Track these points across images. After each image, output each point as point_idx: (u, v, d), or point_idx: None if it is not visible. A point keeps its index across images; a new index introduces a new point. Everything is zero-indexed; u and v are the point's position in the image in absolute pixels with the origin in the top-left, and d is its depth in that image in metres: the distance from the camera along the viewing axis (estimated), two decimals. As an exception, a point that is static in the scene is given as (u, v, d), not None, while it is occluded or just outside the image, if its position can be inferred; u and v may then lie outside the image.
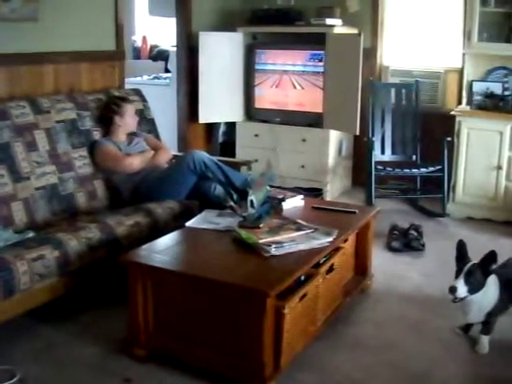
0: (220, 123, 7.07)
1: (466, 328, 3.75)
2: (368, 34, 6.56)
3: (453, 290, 3.38)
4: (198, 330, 3.23)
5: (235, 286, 3.07)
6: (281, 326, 3.06)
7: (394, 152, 6.27)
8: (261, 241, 3.42)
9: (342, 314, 3.91)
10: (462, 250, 3.55)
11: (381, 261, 4.73)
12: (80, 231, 3.83)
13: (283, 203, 4.14)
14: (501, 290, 3.51)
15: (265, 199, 3.89)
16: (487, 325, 3.56)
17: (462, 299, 3.43)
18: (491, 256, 3.40)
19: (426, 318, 3.99)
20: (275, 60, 6.66)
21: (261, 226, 3.64)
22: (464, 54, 6.17)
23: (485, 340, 3.56)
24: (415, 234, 5.19)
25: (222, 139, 7.16)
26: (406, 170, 6.02)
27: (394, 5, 6.70)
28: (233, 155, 6.73)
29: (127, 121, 4.87)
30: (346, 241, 3.92)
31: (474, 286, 3.40)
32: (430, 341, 3.70)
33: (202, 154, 4.60)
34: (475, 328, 3.68)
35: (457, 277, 3.44)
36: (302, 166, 6.49)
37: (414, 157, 6.25)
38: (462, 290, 3.38)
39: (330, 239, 3.56)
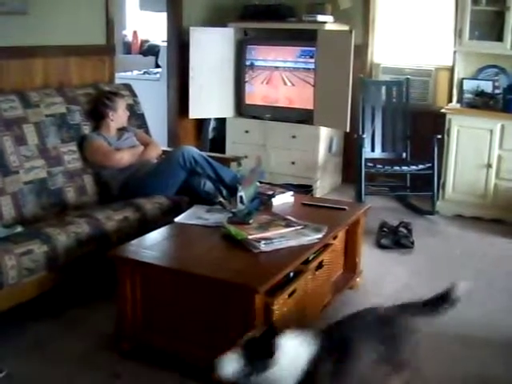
0: (210, 119, 7.05)
1: None
2: (359, 31, 6.56)
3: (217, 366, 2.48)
4: (186, 325, 3.22)
5: (224, 282, 3.06)
6: (269, 322, 3.05)
7: (384, 149, 6.27)
8: (250, 237, 3.41)
9: (331, 311, 3.90)
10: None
11: (370, 258, 4.73)
12: (69, 226, 3.82)
13: (273, 199, 4.13)
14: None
15: (254, 195, 3.90)
16: None
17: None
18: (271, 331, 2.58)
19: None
20: (266, 56, 6.65)
21: (250, 222, 3.64)
22: (455, 52, 6.17)
23: None
24: (405, 231, 5.20)
25: (212, 135, 7.14)
26: (395, 168, 6.02)
27: (386, 2, 6.70)
28: (223, 151, 6.72)
29: (119, 115, 4.86)
30: (335, 237, 3.92)
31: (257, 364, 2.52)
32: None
33: (192, 150, 4.59)
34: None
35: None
36: (293, 163, 6.48)
37: (404, 154, 6.26)
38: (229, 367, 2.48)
39: (320, 236, 3.55)
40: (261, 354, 2.48)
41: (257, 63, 6.70)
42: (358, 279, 4.34)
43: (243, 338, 2.54)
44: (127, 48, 9.58)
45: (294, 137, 6.47)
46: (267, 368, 2.48)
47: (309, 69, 6.39)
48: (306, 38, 6.29)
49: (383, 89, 6.37)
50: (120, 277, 3.32)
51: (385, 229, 5.24)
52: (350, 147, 6.60)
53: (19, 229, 3.81)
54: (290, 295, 3.21)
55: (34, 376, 3.29)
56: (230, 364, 2.44)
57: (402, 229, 5.21)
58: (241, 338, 2.54)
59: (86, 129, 4.81)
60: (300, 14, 6.52)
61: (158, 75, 7.79)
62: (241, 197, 3.77)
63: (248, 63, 6.72)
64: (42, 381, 3.25)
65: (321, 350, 2.58)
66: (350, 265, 4.29)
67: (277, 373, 2.50)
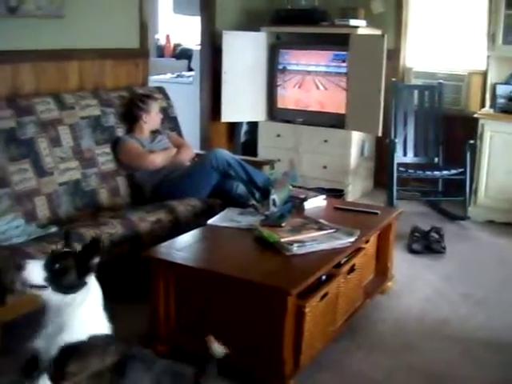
0: (242, 122, 7.08)
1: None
2: (392, 35, 6.55)
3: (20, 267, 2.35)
4: (218, 327, 3.24)
5: (256, 284, 3.07)
6: (301, 324, 3.06)
7: (416, 154, 6.24)
8: (283, 239, 3.42)
9: (361, 315, 3.91)
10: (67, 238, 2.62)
11: (401, 263, 4.72)
12: (103, 226, 3.85)
13: (305, 203, 4.14)
14: None
15: (287, 198, 3.91)
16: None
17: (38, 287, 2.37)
18: (94, 244, 2.49)
19: (445, 320, 3.98)
20: (298, 60, 6.66)
21: (283, 224, 3.65)
22: (488, 57, 6.14)
23: None
24: (436, 236, 5.17)
25: (244, 139, 7.17)
26: (427, 173, 6.00)
27: (418, 6, 6.68)
28: (254, 155, 6.74)
29: (153, 118, 4.90)
30: (367, 241, 3.92)
31: (61, 279, 2.38)
32: (449, 343, 3.69)
33: (225, 153, 4.62)
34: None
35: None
36: (324, 167, 6.49)
37: (436, 159, 6.22)
38: (34, 273, 2.34)
39: (352, 239, 3.55)
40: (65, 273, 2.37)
41: (289, 67, 6.71)
42: (389, 284, 4.33)
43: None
44: (160, 51, 9.65)
45: (325, 141, 6.47)
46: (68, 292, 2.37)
47: (341, 73, 6.39)
48: (339, 42, 6.29)
49: (415, 93, 6.35)
50: (154, 277, 3.35)
51: (416, 234, 5.22)
52: (382, 152, 6.58)
53: (53, 229, 3.86)
54: (322, 298, 3.22)
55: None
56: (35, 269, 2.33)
57: (433, 234, 5.19)
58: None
59: (120, 131, 4.86)
60: (332, 18, 6.52)
61: (190, 79, 7.83)
62: (273, 200, 3.79)
63: (280, 67, 6.74)
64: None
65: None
66: (382, 269, 4.28)
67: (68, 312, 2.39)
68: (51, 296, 2.36)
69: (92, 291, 2.48)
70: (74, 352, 2.32)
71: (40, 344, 2.40)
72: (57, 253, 2.42)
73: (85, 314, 2.44)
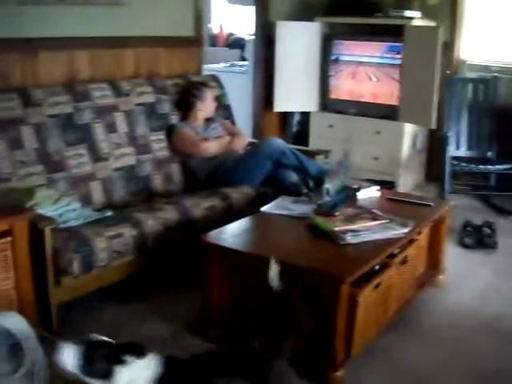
0: (294, 113, 7.08)
1: None
2: (446, 27, 6.46)
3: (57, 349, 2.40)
4: (270, 313, 3.25)
5: (310, 271, 3.09)
6: (354, 313, 3.06)
7: (469, 147, 6.17)
8: (336, 228, 3.42)
9: (413, 307, 3.90)
10: None
11: (453, 257, 4.67)
12: (157, 212, 3.91)
13: (358, 193, 4.13)
14: None
15: (341, 188, 3.90)
16: None
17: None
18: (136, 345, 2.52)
19: (498, 315, 3.94)
20: (352, 51, 6.63)
21: (336, 214, 3.65)
22: (545, 50, 6.05)
23: None
24: (488, 231, 5.12)
25: (296, 129, 7.17)
26: (480, 166, 5.92)
27: (474, -3, 6.60)
28: (306, 145, 6.71)
29: (207, 105, 4.93)
30: (420, 233, 3.90)
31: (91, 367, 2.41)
32: (502, 338, 3.66)
33: (279, 141, 4.63)
34: None
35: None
36: (375, 158, 6.45)
37: (490, 153, 6.14)
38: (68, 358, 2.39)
39: (406, 230, 3.54)
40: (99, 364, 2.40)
41: (342, 58, 6.68)
42: (441, 277, 4.30)
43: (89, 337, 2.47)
44: (213, 41, 9.69)
45: (378, 132, 6.44)
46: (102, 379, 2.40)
47: (394, 64, 6.34)
48: (393, 33, 6.23)
49: (470, 86, 6.28)
50: (208, 263, 3.38)
51: (468, 228, 5.17)
52: (435, 144, 6.51)
53: (109, 213, 3.91)
54: (375, 288, 3.22)
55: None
56: (69, 354, 2.37)
57: (485, 228, 5.14)
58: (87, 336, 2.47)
59: (174, 118, 4.90)
60: (387, 9, 6.48)
61: (243, 68, 7.84)
62: (327, 189, 3.79)
63: (333, 58, 6.71)
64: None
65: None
66: (434, 262, 4.25)
67: None
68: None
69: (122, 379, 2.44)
70: None
71: None
72: (93, 341, 2.46)
73: None
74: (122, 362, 2.42)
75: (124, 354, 2.42)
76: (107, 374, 2.40)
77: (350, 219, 3.59)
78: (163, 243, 3.86)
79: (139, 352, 2.46)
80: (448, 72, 6.31)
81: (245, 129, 5.95)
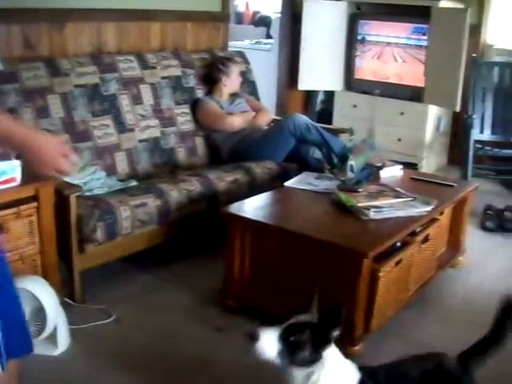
0: (319, 91, 7.08)
1: None
2: (474, 10, 6.40)
3: (254, 337, 2.09)
4: (291, 286, 3.27)
5: (332, 245, 3.10)
6: (374, 288, 3.07)
7: (493, 132, 6.12)
8: (360, 204, 3.43)
9: (432, 287, 3.90)
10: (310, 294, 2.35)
11: (474, 239, 4.66)
12: (181, 183, 3.93)
13: (382, 171, 4.13)
14: None
15: (364, 165, 3.91)
16: None
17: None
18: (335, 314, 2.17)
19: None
20: (378, 31, 6.61)
21: (360, 190, 3.66)
22: None
23: None
24: (510, 215, 5.11)
25: (320, 107, 7.17)
26: (504, 151, 5.90)
27: (504, -19, 6.54)
28: (330, 124, 6.72)
29: (233, 80, 4.94)
30: (442, 213, 3.90)
31: (295, 353, 2.11)
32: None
33: (303, 118, 4.63)
34: None
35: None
36: (399, 140, 6.44)
37: (514, 138, 6.12)
38: (268, 346, 2.09)
39: (429, 208, 3.54)
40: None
41: (368, 38, 6.66)
42: (461, 258, 4.30)
43: (293, 318, 2.16)
44: (239, 18, 9.69)
45: (402, 114, 6.42)
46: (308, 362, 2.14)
47: (421, 46, 6.32)
48: (420, 14, 6.20)
49: (496, 70, 6.22)
50: (230, 234, 3.40)
51: (489, 211, 5.16)
52: (459, 128, 6.48)
53: (133, 183, 3.95)
54: (396, 264, 3.23)
55: (140, 322, 3.42)
56: (270, 341, 2.09)
57: (507, 212, 5.12)
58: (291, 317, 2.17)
59: (200, 92, 4.91)
60: (415, -10, 6.45)
61: (269, 46, 7.84)
62: (351, 165, 3.79)
63: (359, 38, 6.69)
64: (147, 328, 3.38)
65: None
66: (454, 243, 4.25)
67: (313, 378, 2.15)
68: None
69: (330, 363, 2.17)
70: None
71: None
72: (293, 324, 2.14)
73: None
74: (328, 343, 2.15)
75: (330, 332, 2.14)
76: (314, 360, 2.14)
77: (373, 196, 3.60)
78: (186, 215, 3.89)
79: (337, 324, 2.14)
80: (474, 55, 6.27)
81: (269, 106, 5.95)
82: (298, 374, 2.15)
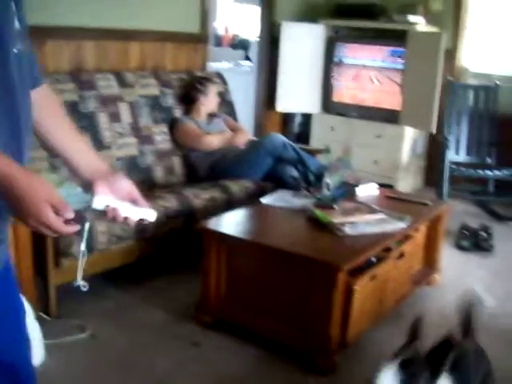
0: (296, 113, 7.13)
1: None
2: (449, 34, 6.51)
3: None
4: (267, 300, 3.30)
5: (308, 259, 3.12)
6: (350, 302, 3.10)
7: (468, 153, 6.22)
8: (335, 220, 3.46)
9: (408, 303, 3.93)
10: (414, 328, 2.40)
11: (449, 258, 4.71)
12: (158, 200, 3.94)
13: (357, 189, 4.17)
14: None
15: (340, 183, 3.95)
16: None
17: None
18: (447, 342, 2.38)
19: (492, 315, 3.96)
20: (355, 54, 6.69)
21: (335, 207, 3.69)
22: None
23: None
24: (485, 234, 5.16)
25: (298, 130, 7.22)
26: (479, 172, 5.97)
27: (477, 6, 6.64)
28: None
29: (211, 100, 4.98)
30: (417, 231, 3.94)
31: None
32: (496, 337, 3.69)
33: (281, 137, 4.68)
34: None
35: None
36: (375, 162, 6.50)
37: (489, 159, 6.18)
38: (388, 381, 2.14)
39: (403, 225, 3.58)
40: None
41: (345, 61, 6.75)
42: (436, 276, 4.34)
43: (404, 350, 2.25)
44: (218, 41, 9.74)
45: (378, 136, 6.49)
46: None
47: (397, 69, 6.41)
48: (396, 37, 6.31)
49: (471, 93, 6.33)
50: (206, 249, 3.41)
51: (465, 231, 5.21)
52: (435, 150, 6.55)
53: (111, 199, 3.95)
54: (372, 279, 3.26)
55: (115, 338, 3.42)
56: (388, 378, 2.13)
57: (482, 232, 5.18)
58: (399, 350, 2.27)
59: (178, 112, 4.94)
60: (391, 13, 6.54)
61: (248, 68, 7.90)
62: (327, 183, 3.83)
63: (337, 60, 6.77)
64: (123, 344, 3.37)
65: None
66: (430, 261, 4.28)
67: None
68: None
69: None
70: None
71: None
72: (408, 357, 2.20)
73: None
74: (440, 373, 2.19)
75: (441, 364, 2.21)
76: None
77: (349, 212, 3.64)
78: (163, 231, 3.90)
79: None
80: (450, 78, 6.36)
81: (247, 127, 6.00)
82: None
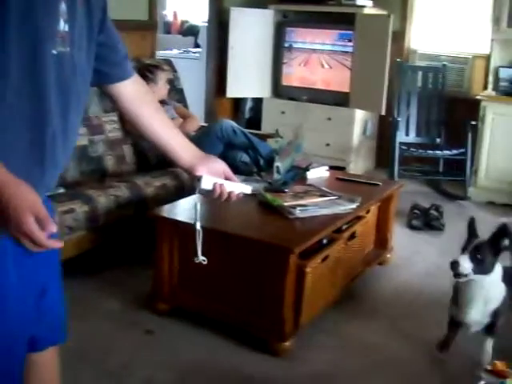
0: (247, 99, 7.15)
1: (445, 343, 3.28)
2: (397, 16, 6.57)
3: (454, 265, 2.86)
4: (221, 286, 3.32)
5: (259, 243, 3.15)
6: (302, 284, 3.13)
7: (418, 134, 6.29)
8: (286, 203, 3.49)
9: (361, 283, 3.99)
10: (472, 227, 3.03)
11: (401, 238, 4.78)
12: (109, 189, 3.94)
13: (308, 172, 4.20)
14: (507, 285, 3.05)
15: (291, 167, 3.97)
16: (492, 326, 3.07)
17: (466, 276, 2.88)
18: (502, 230, 2.90)
19: (442, 291, 4.03)
20: (304, 38, 6.72)
21: (286, 190, 3.72)
22: (492, 40, 6.16)
23: (489, 344, 3.10)
24: (436, 213, 5.24)
25: (249, 115, 7.24)
26: (429, 152, 6.06)
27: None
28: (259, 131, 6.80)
29: (160, 88, 4.95)
30: (368, 211, 3.99)
31: (481, 265, 2.88)
32: (445, 312, 3.75)
33: (230, 123, 4.69)
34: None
35: (462, 252, 2.90)
36: (327, 145, 6.55)
37: (438, 139, 6.27)
38: (465, 265, 2.85)
39: (354, 206, 3.62)
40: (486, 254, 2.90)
41: (295, 45, 6.78)
42: (388, 255, 4.40)
43: (468, 244, 2.93)
44: (167, 28, 9.68)
45: (329, 119, 6.54)
46: (488, 270, 2.92)
47: (346, 52, 6.46)
48: (345, 21, 6.34)
49: (419, 74, 6.40)
50: (158, 237, 3.42)
51: (416, 210, 5.28)
52: (385, 132, 6.63)
53: (61, 190, 3.93)
54: (323, 261, 3.29)
55: (69, 328, 3.39)
56: (464, 262, 2.86)
57: (433, 211, 5.25)
58: (464, 244, 2.95)
59: (127, 100, 4.90)
60: (339, -3, 6.57)
61: (197, 54, 7.88)
62: (277, 167, 3.85)
63: (286, 45, 6.80)
64: (76, 334, 3.33)
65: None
66: (382, 241, 4.34)
67: (488, 284, 2.96)
68: (476, 278, 2.92)
69: (498, 269, 3.00)
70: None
71: (473, 314, 3.05)
72: (477, 245, 2.90)
73: (499, 285, 3.02)
74: (500, 251, 2.94)
75: (501, 240, 2.91)
76: (492, 267, 2.94)
77: (300, 195, 3.67)
78: (115, 220, 3.90)
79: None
80: (398, 60, 6.42)
81: (198, 114, 5.98)
82: (483, 279, 2.93)
